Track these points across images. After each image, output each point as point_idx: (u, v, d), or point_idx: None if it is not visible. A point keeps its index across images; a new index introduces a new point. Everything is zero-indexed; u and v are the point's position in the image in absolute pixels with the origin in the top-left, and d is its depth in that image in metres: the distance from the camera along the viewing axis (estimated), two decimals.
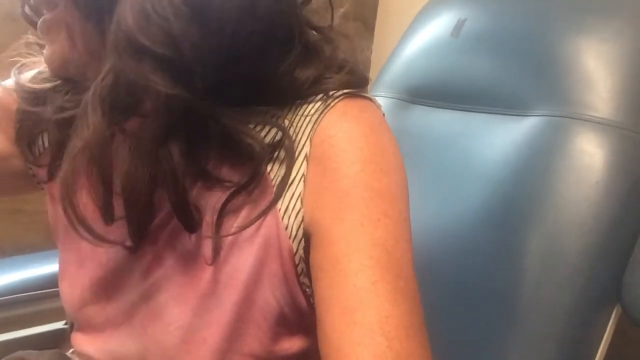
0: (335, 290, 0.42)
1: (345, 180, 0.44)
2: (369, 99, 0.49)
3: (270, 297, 0.47)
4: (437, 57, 0.83)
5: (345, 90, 0.47)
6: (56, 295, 0.72)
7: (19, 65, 0.55)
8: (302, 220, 0.46)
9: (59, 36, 0.46)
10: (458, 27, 0.81)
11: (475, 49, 0.78)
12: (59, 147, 0.53)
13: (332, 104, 0.47)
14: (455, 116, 0.77)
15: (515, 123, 0.69)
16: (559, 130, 0.65)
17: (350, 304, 0.40)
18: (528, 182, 0.64)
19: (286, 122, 0.47)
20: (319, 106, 0.47)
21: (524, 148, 0.67)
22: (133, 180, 0.43)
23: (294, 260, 0.47)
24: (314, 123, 0.46)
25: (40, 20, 0.47)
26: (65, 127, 0.52)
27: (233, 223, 0.47)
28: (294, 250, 0.46)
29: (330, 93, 0.47)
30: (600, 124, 0.63)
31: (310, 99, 0.48)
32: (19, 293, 0.73)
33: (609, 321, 0.60)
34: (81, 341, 0.57)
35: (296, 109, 0.48)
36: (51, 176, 0.55)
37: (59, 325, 0.75)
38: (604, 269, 0.59)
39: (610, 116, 0.63)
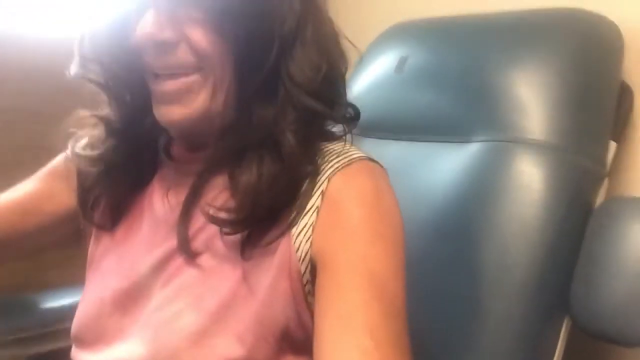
0: (332, 302, 0.47)
1: (353, 220, 0.51)
2: (380, 165, 0.57)
3: (279, 313, 0.51)
4: (383, 92, 0.87)
5: (363, 155, 0.56)
6: None
7: (75, 136, 0.61)
8: (311, 247, 0.51)
9: (198, 96, 0.52)
10: (401, 63, 0.86)
11: (418, 83, 0.82)
12: (114, 203, 0.61)
13: (353, 161, 0.54)
14: (403, 146, 0.80)
15: (459, 149, 0.73)
16: (499, 153, 0.69)
17: (344, 314, 0.46)
18: (476, 202, 0.67)
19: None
20: (342, 160, 0.54)
21: (469, 171, 0.70)
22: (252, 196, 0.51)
23: (302, 281, 0.51)
24: (335, 169, 0.53)
25: (176, 85, 0.52)
26: (118, 185, 0.60)
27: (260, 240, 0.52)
28: (302, 272, 0.51)
29: (355, 155, 0.55)
30: (535, 146, 0.67)
31: (334, 147, 0.56)
32: None
33: (560, 332, 0.62)
34: (85, 357, 0.59)
35: (321, 150, 0.56)
36: (102, 226, 0.62)
37: None
38: (551, 281, 0.62)
39: (544, 138, 0.67)
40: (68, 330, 0.73)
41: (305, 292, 0.52)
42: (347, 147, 0.57)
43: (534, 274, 0.62)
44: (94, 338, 0.58)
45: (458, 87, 0.77)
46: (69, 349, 0.72)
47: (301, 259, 0.51)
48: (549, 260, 0.62)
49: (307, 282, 0.52)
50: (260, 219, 0.52)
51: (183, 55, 0.51)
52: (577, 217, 0.65)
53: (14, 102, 1.05)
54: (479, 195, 0.67)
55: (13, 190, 0.67)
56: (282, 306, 0.51)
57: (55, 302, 0.79)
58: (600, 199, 0.70)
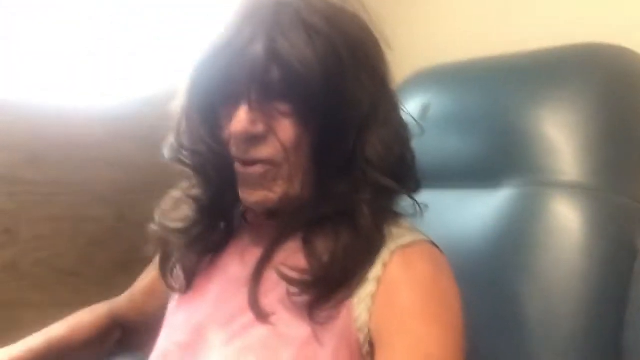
0: None
1: (412, 302, 0.52)
2: (440, 249, 0.59)
3: None
4: None
5: (426, 238, 0.58)
6: None
7: (162, 210, 0.66)
8: (370, 318, 0.52)
9: (277, 181, 0.56)
10: (424, 111, 0.85)
11: (442, 130, 0.81)
12: (191, 268, 0.65)
13: (416, 242, 0.57)
14: (431, 195, 0.78)
15: (490, 195, 0.71)
16: (532, 198, 0.67)
17: None
18: (511, 251, 0.65)
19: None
20: (406, 238, 0.57)
21: (502, 218, 0.68)
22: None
23: (361, 352, 0.53)
24: (398, 246, 0.55)
25: (257, 169, 0.56)
26: (196, 252, 0.65)
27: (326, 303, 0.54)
28: (361, 342, 0.52)
29: (419, 237, 0.58)
30: (569, 188, 0.64)
31: (400, 224, 0.59)
32: None
33: None
34: None
35: (388, 224, 0.58)
36: (177, 290, 0.66)
37: None
38: (600, 331, 0.59)
39: (577, 178, 0.65)
40: None
41: None
42: (412, 227, 0.59)
43: (582, 324, 0.58)
44: None
45: (483, 131, 0.76)
46: None
47: (360, 329, 0.52)
48: (596, 308, 0.59)
49: (367, 354, 0.52)
50: (331, 284, 0.53)
51: (271, 146, 0.54)
52: (622, 259, 0.62)
53: (52, 174, 1.09)
54: (514, 244, 0.65)
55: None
56: None
57: None
58: None
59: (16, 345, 0.73)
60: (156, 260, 0.71)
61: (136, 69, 1.13)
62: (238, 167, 0.57)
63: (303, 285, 0.53)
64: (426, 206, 0.61)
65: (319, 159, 0.56)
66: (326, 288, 0.53)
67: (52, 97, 1.06)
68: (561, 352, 0.58)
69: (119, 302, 0.84)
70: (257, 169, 0.56)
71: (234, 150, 0.56)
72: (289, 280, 0.54)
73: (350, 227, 0.55)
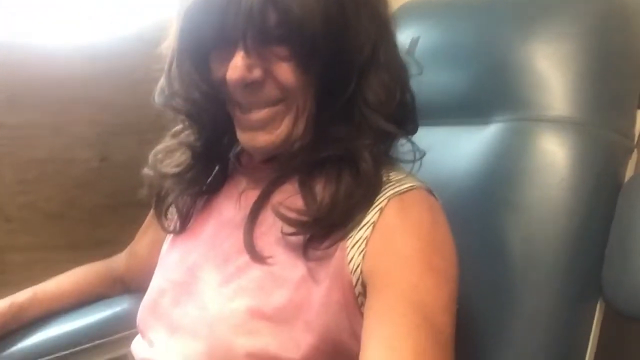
0: (380, 325, 0.48)
1: (407, 249, 0.52)
2: (435, 197, 0.59)
3: (332, 323, 0.52)
4: None
5: (423, 185, 0.58)
6: None
7: (155, 152, 0.66)
8: (363, 261, 0.52)
9: (281, 123, 0.55)
10: (413, 45, 0.83)
11: (431, 64, 0.79)
12: (185, 210, 0.66)
13: (413, 189, 0.56)
14: (419, 132, 0.78)
15: (478, 132, 0.70)
16: (520, 133, 0.66)
17: (391, 334, 0.47)
18: (498, 188, 0.65)
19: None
20: (403, 185, 0.56)
21: (489, 155, 0.68)
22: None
23: (354, 293, 0.53)
24: (395, 192, 0.55)
25: (260, 115, 0.55)
26: (190, 195, 0.65)
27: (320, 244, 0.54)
28: (354, 283, 0.53)
29: (416, 184, 0.57)
30: (558, 123, 0.64)
31: (397, 170, 0.59)
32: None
33: (593, 317, 0.60)
34: (143, 346, 0.62)
35: (386, 170, 0.58)
36: (172, 231, 0.67)
37: None
38: (581, 265, 0.60)
39: (567, 114, 0.64)
40: (100, 346, 0.76)
41: (358, 304, 0.53)
42: (409, 173, 0.59)
43: (563, 259, 0.59)
44: (151, 327, 0.62)
45: (473, 66, 0.74)
46: None
47: (353, 271, 0.53)
48: (578, 243, 0.60)
49: (359, 294, 0.53)
50: (328, 225, 0.54)
51: (269, 90, 0.54)
52: (606, 195, 0.63)
53: (34, 116, 1.06)
54: (501, 180, 0.65)
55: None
56: (335, 315, 0.53)
57: (86, 319, 0.80)
58: (629, 173, 0.67)
59: (1, 300, 0.73)
60: (152, 213, 0.72)
61: (121, 4, 1.08)
62: (237, 113, 0.56)
63: (300, 225, 0.54)
64: (424, 152, 0.61)
65: (320, 102, 0.55)
66: (323, 229, 0.54)
67: (30, 36, 1.02)
68: (543, 288, 0.59)
69: (119, 259, 0.84)
70: (256, 115, 0.55)
71: (231, 95, 0.55)
72: (287, 220, 0.54)
73: (352, 172, 0.55)
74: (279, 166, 0.59)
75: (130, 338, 0.67)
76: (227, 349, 0.53)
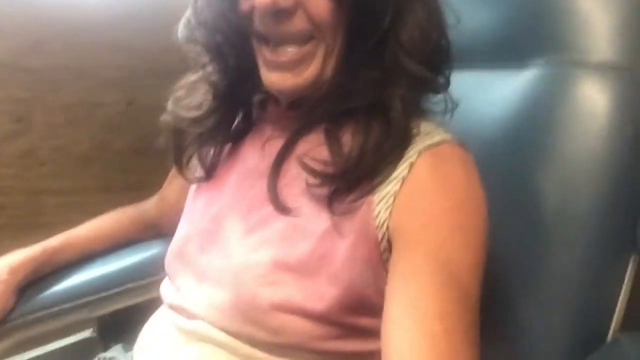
0: (404, 283, 0.47)
1: (437, 207, 0.50)
2: (468, 151, 0.56)
3: (357, 277, 0.52)
4: None
5: (455, 139, 0.55)
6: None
7: (176, 88, 0.64)
8: (390, 217, 0.51)
9: (309, 66, 0.53)
10: None
11: (464, 2, 0.74)
12: (208, 157, 0.65)
13: (445, 142, 0.54)
14: (452, 76, 0.74)
15: (512, 77, 0.66)
16: (558, 78, 0.62)
17: (416, 295, 0.46)
18: (530, 137, 0.62)
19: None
20: (435, 138, 0.54)
21: (523, 101, 0.64)
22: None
23: (379, 248, 0.52)
24: (427, 145, 0.53)
25: (288, 56, 0.53)
26: (213, 142, 0.64)
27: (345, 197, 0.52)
28: (379, 239, 0.51)
29: (448, 137, 0.55)
30: (599, 68, 0.59)
31: (428, 122, 0.56)
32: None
33: (626, 272, 0.58)
34: (170, 292, 0.63)
35: (417, 121, 0.55)
36: (195, 180, 0.67)
37: (87, 334, 0.77)
38: (616, 219, 0.57)
39: (610, 58, 0.60)
40: (131, 290, 0.78)
41: (383, 260, 0.52)
42: (440, 126, 0.56)
43: (598, 212, 0.57)
44: (178, 273, 0.63)
45: (511, 5, 0.69)
46: (134, 307, 0.77)
47: (379, 227, 0.51)
48: (614, 196, 0.57)
49: (384, 251, 0.52)
50: (354, 178, 0.52)
51: (299, 22, 0.51)
52: None
53: (59, 60, 1.06)
54: (535, 128, 0.62)
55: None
56: (360, 270, 0.52)
57: (117, 263, 0.82)
58: None
59: (34, 246, 0.75)
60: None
61: None
62: (264, 51, 0.54)
63: (325, 178, 0.52)
64: (457, 103, 0.58)
65: (352, 41, 0.53)
66: (349, 182, 0.52)
67: None
68: (574, 241, 0.57)
69: (150, 204, 0.86)
70: (288, 55, 0.53)
71: (259, 28, 0.53)
72: (311, 171, 0.53)
73: (381, 121, 0.53)
74: (305, 114, 0.57)
75: (161, 282, 0.69)
76: (252, 299, 0.53)
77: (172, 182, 0.81)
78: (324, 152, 0.54)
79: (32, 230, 0.78)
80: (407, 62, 0.53)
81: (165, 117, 0.65)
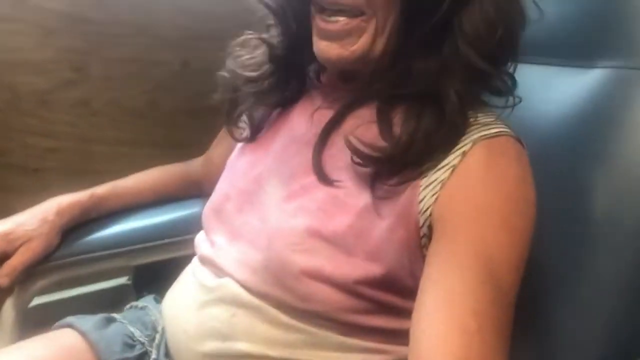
0: (443, 275, 0.46)
1: (486, 200, 0.49)
2: (525, 147, 0.55)
3: (391, 258, 0.52)
4: None
5: (513, 133, 0.54)
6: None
7: (234, 56, 0.66)
8: (434, 203, 0.50)
9: (358, 39, 0.53)
10: None
11: None
12: (257, 118, 0.67)
13: (502, 135, 0.53)
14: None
15: (577, 76, 0.63)
16: (626, 83, 0.59)
17: (453, 287, 0.45)
18: (589, 139, 0.60)
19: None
20: (491, 129, 0.53)
21: (585, 102, 0.61)
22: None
23: (419, 233, 0.51)
24: (482, 136, 0.52)
25: (337, 26, 0.53)
26: (264, 103, 0.65)
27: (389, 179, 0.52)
28: (420, 224, 0.51)
29: (505, 130, 0.53)
30: None
31: (485, 113, 0.55)
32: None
33: None
34: (206, 245, 0.65)
35: (474, 111, 0.54)
36: (242, 139, 0.68)
37: (122, 281, 0.80)
38: None
39: None
40: (168, 244, 0.80)
41: (421, 245, 0.52)
42: (498, 118, 0.55)
43: None
44: (214, 228, 0.64)
45: (586, 2, 0.66)
46: (169, 260, 0.79)
47: (422, 212, 0.51)
48: None
49: (423, 236, 0.51)
50: (400, 164, 0.52)
51: None
52: None
53: (120, 14, 1.08)
54: (595, 131, 0.59)
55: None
56: (395, 252, 0.52)
57: (159, 217, 0.84)
58: None
59: (82, 192, 0.78)
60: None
61: None
62: (318, 18, 0.54)
63: (370, 160, 0.52)
64: (519, 99, 0.56)
65: (409, 25, 0.52)
66: (393, 167, 0.52)
67: None
68: (622, 249, 0.55)
69: (196, 163, 0.87)
70: (338, 25, 0.53)
71: None
72: (356, 152, 0.53)
73: (435, 111, 0.52)
74: (357, 89, 0.57)
75: None
76: (283, 264, 0.54)
77: (220, 144, 0.82)
78: (370, 132, 0.53)
79: (80, 176, 0.81)
80: (468, 54, 0.51)
81: (223, 73, 0.66)
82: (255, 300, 0.56)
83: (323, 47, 0.55)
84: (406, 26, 0.52)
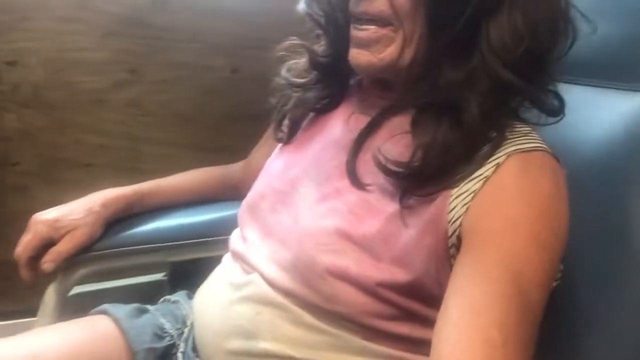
0: (470, 285, 0.46)
1: (518, 215, 0.49)
2: (560, 165, 0.54)
3: (417, 264, 0.52)
4: None
5: (549, 149, 0.54)
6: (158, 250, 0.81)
7: (290, 63, 0.69)
8: (465, 214, 0.50)
9: (386, 48, 0.55)
10: None
11: (587, 12, 0.70)
12: (297, 121, 0.69)
13: (538, 150, 0.53)
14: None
15: (622, 98, 0.62)
16: None
17: (479, 299, 0.44)
18: (631, 164, 0.58)
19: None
20: (527, 143, 0.52)
21: (630, 126, 0.60)
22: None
23: (447, 243, 0.51)
24: (517, 149, 0.52)
25: (367, 34, 0.56)
26: (305, 107, 0.68)
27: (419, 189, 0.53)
28: (449, 233, 0.51)
29: (541, 145, 0.53)
30: None
31: (522, 128, 0.55)
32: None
33: None
34: (239, 241, 0.67)
35: (509, 124, 0.54)
36: (281, 140, 0.71)
37: (159, 276, 0.82)
38: None
39: None
40: (209, 242, 0.82)
41: (449, 255, 0.51)
42: (535, 134, 0.55)
43: None
44: (248, 225, 0.66)
45: (636, 23, 0.65)
46: (205, 259, 0.80)
47: (451, 221, 0.51)
48: None
49: (452, 246, 0.51)
50: (422, 178, 0.52)
51: (379, 4, 0.54)
52: None
53: (177, 20, 1.13)
54: (637, 159, 0.58)
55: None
56: (422, 259, 0.52)
57: (198, 216, 0.87)
58: None
59: (127, 187, 0.81)
60: (270, 128, 0.75)
61: None
62: (353, 29, 0.57)
63: (397, 175, 0.53)
64: (560, 117, 0.56)
65: (436, 32, 0.53)
66: (421, 180, 0.52)
67: None
68: None
69: (236, 167, 0.90)
70: (367, 32, 0.55)
71: (350, 5, 0.57)
72: (383, 168, 0.54)
73: (454, 123, 0.52)
74: (393, 97, 0.59)
75: None
76: (310, 263, 0.55)
77: (261, 149, 0.84)
78: (401, 143, 0.54)
79: (128, 173, 0.85)
80: (493, 63, 0.52)
81: (277, 79, 0.70)
82: (281, 299, 0.57)
83: (354, 54, 0.57)
84: (433, 36, 0.53)
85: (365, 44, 0.56)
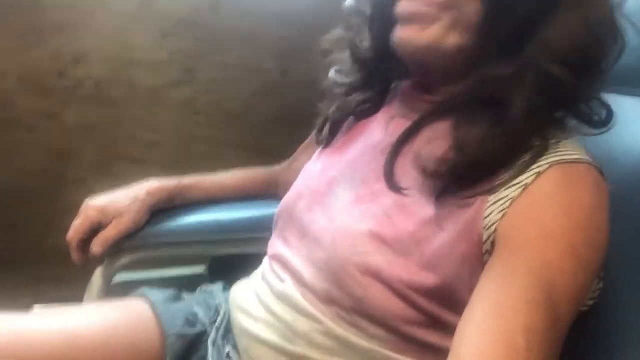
0: (499, 288, 0.45)
1: (556, 225, 0.48)
2: (603, 176, 0.53)
3: (449, 270, 0.52)
4: None
5: (595, 163, 0.53)
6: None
7: (336, 66, 0.70)
8: (500, 220, 0.49)
9: (430, 26, 0.54)
10: None
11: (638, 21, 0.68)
12: (338, 123, 0.70)
13: (582, 162, 0.52)
14: (609, 99, 0.68)
15: None
16: None
17: (507, 303, 0.43)
18: None
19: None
20: (572, 155, 0.51)
21: None
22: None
23: (481, 249, 0.51)
24: (560, 160, 0.51)
25: (413, 6, 0.54)
26: (347, 110, 0.69)
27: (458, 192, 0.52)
28: (484, 239, 0.50)
29: (586, 158, 0.52)
30: None
31: (568, 139, 0.54)
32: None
33: None
34: (277, 241, 0.68)
35: (556, 133, 0.53)
36: (321, 142, 0.72)
37: (199, 270, 0.85)
38: None
39: None
40: (249, 239, 0.83)
41: (483, 262, 0.50)
42: (579, 145, 0.54)
43: None
44: (285, 225, 0.68)
45: None
46: (244, 255, 0.82)
47: (487, 227, 0.50)
48: None
49: (486, 252, 0.51)
50: (462, 177, 0.52)
51: None
52: None
53: (230, 23, 1.16)
54: None
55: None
56: (455, 264, 0.51)
57: (240, 213, 0.89)
58: None
59: (171, 178, 0.84)
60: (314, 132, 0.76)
61: None
62: (399, 6, 0.56)
63: (437, 177, 0.53)
64: (607, 128, 0.54)
65: (487, 20, 0.51)
66: (461, 182, 0.52)
67: None
68: None
69: (279, 169, 0.92)
70: (414, 5, 0.54)
71: None
72: (424, 172, 0.54)
73: (496, 120, 0.51)
74: (434, 100, 0.59)
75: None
76: (344, 263, 0.56)
77: (303, 153, 0.85)
78: (442, 148, 0.54)
79: (177, 170, 0.87)
80: (545, 61, 0.50)
81: (325, 83, 0.71)
82: (313, 310, 0.58)
83: (397, 32, 0.56)
84: (486, 27, 0.52)
85: (409, 19, 0.55)
